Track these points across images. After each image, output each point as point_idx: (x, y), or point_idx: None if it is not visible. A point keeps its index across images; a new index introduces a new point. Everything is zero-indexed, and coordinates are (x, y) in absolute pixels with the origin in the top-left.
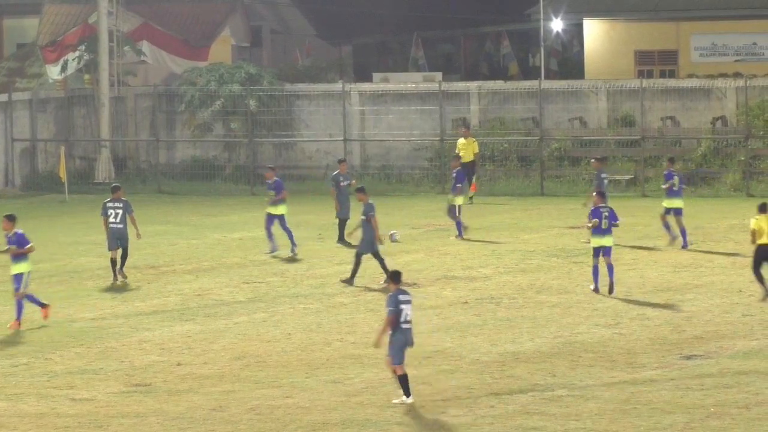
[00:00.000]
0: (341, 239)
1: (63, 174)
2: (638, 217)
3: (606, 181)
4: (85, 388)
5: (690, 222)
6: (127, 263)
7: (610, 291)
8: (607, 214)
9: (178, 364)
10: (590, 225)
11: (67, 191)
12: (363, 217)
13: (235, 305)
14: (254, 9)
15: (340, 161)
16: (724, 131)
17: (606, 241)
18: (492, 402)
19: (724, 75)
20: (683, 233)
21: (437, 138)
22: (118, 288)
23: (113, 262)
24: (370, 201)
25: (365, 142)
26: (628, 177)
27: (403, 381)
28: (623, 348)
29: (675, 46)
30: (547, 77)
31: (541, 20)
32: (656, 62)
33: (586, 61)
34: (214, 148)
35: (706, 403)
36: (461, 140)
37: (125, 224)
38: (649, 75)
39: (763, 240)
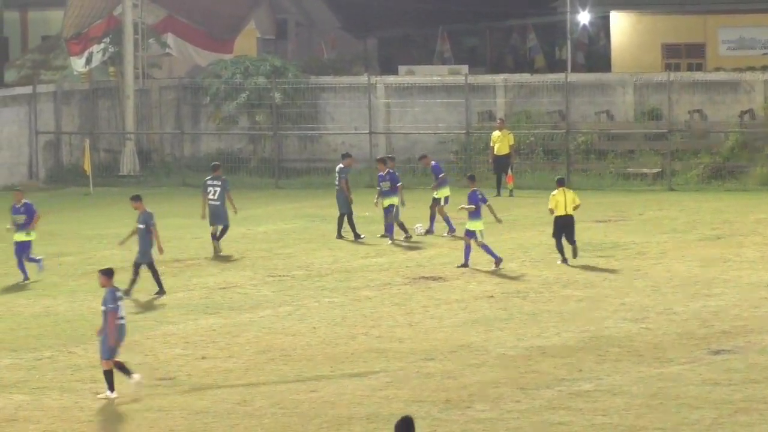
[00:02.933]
0: (357, 234)
1: (87, 167)
2: (665, 211)
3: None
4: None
5: (718, 216)
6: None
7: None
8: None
9: (203, 358)
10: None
11: (92, 184)
12: (141, 226)
13: (259, 299)
14: (279, 2)
15: (344, 156)
16: (752, 125)
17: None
18: (518, 397)
19: (751, 68)
20: (447, 221)
21: (463, 131)
22: (143, 281)
23: (213, 235)
24: (149, 210)
25: (390, 135)
26: (655, 171)
27: (109, 376)
28: (650, 343)
29: (702, 39)
30: (573, 70)
31: (568, 13)
32: (683, 55)
33: (612, 54)
34: (238, 140)
35: (734, 398)
36: (496, 132)
37: (223, 201)
38: (677, 68)
39: None
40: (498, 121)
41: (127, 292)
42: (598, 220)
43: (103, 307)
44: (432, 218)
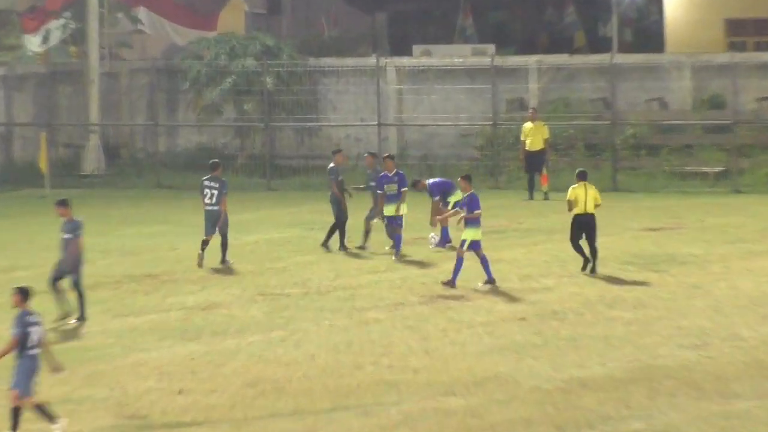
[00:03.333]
0: (342, 245)
1: (44, 164)
2: (730, 217)
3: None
4: (69, 421)
5: None
6: (120, 271)
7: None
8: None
9: (180, 392)
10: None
11: (49, 185)
12: (67, 236)
13: (248, 321)
14: None
15: (335, 152)
16: None
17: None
18: None
19: None
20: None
21: (489, 123)
22: (110, 299)
23: (204, 242)
24: (77, 218)
25: (403, 128)
26: (717, 169)
27: (16, 415)
28: (712, 374)
29: None
30: (619, 50)
31: None
32: (751, 32)
33: (666, 31)
34: (223, 134)
35: None
36: (528, 124)
37: (220, 205)
38: (742, 47)
39: None
40: (530, 110)
41: (81, 318)
42: (650, 227)
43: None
44: (444, 227)
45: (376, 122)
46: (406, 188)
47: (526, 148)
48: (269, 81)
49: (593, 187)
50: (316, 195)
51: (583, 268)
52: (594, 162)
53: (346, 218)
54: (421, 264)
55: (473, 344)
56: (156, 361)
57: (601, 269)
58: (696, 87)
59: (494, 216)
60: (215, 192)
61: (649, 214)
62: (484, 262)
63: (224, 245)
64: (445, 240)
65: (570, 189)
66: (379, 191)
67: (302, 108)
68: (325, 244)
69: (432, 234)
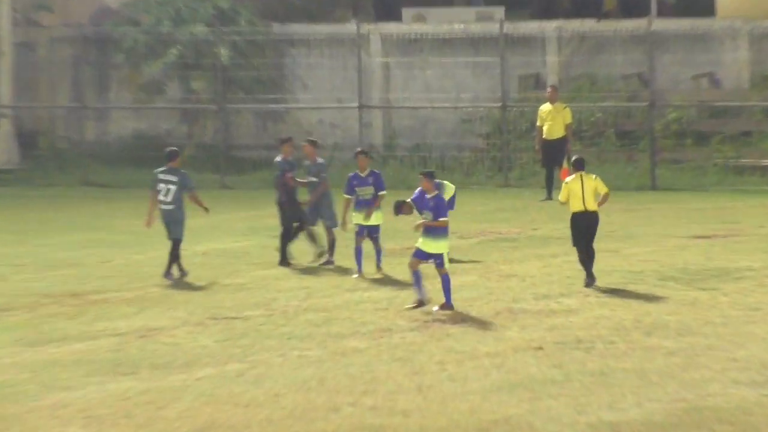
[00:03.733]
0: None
1: None
2: None
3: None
4: None
5: None
6: (37, 289)
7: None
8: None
9: None
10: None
11: None
12: None
13: (197, 352)
14: None
15: (283, 141)
16: None
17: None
18: None
19: None
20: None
21: (497, 104)
22: (24, 325)
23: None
24: None
25: (391, 111)
26: None
27: None
28: None
29: None
30: (659, 15)
31: None
32: None
33: None
34: (167, 118)
35: None
36: (546, 106)
37: (180, 206)
38: None
39: None
40: (549, 89)
41: None
42: (698, 235)
43: None
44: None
45: (356, 104)
46: (383, 192)
47: (544, 136)
48: (224, 53)
49: (592, 176)
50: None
51: (587, 284)
52: (627, 153)
53: (291, 225)
54: (409, 282)
55: (477, 380)
56: (82, 402)
57: (637, 286)
58: (754, 60)
59: (503, 221)
60: (172, 187)
61: (696, 219)
62: (446, 284)
63: (174, 255)
64: None
65: (563, 185)
66: (347, 195)
67: (265, 86)
68: (283, 261)
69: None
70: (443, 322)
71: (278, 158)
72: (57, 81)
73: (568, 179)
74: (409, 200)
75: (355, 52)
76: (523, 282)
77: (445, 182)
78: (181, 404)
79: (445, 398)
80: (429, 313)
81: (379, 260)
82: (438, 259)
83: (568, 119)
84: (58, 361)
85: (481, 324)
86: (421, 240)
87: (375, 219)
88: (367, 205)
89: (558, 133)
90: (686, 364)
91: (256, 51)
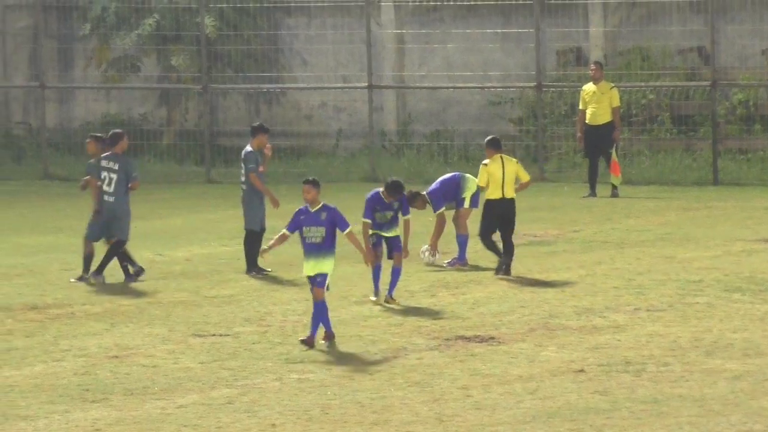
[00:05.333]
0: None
1: None
2: None
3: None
4: None
5: None
6: None
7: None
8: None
9: None
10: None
11: None
12: None
13: (178, 375)
14: None
15: (256, 129)
16: None
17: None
18: None
19: None
20: None
21: (531, 84)
22: None
23: (89, 256)
24: None
25: (405, 92)
26: None
27: None
28: None
29: None
30: None
31: None
32: None
33: None
34: (141, 100)
35: None
36: (589, 87)
37: (123, 197)
38: None
39: None
40: (593, 66)
41: None
42: None
43: None
44: (463, 245)
45: (365, 84)
46: (409, 216)
47: (587, 122)
48: (209, 23)
49: (514, 160)
50: (278, 189)
51: (497, 271)
52: (685, 142)
53: (262, 228)
54: (431, 291)
55: (508, 408)
56: None
57: (696, 299)
58: None
59: (538, 220)
60: (114, 176)
61: (766, 219)
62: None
63: (111, 254)
64: (462, 257)
65: (481, 166)
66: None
67: (257, 63)
68: (250, 269)
69: (424, 248)
70: (468, 340)
71: (248, 148)
72: (12, 57)
73: (486, 161)
74: (424, 192)
75: (363, 21)
76: (562, 293)
77: (468, 175)
78: None
79: (470, 429)
80: (450, 329)
81: (393, 285)
82: (321, 278)
83: (616, 102)
84: (14, 386)
85: (513, 342)
86: (305, 264)
87: (392, 231)
88: (384, 228)
89: (603, 117)
90: (754, 390)
91: (246, 21)
